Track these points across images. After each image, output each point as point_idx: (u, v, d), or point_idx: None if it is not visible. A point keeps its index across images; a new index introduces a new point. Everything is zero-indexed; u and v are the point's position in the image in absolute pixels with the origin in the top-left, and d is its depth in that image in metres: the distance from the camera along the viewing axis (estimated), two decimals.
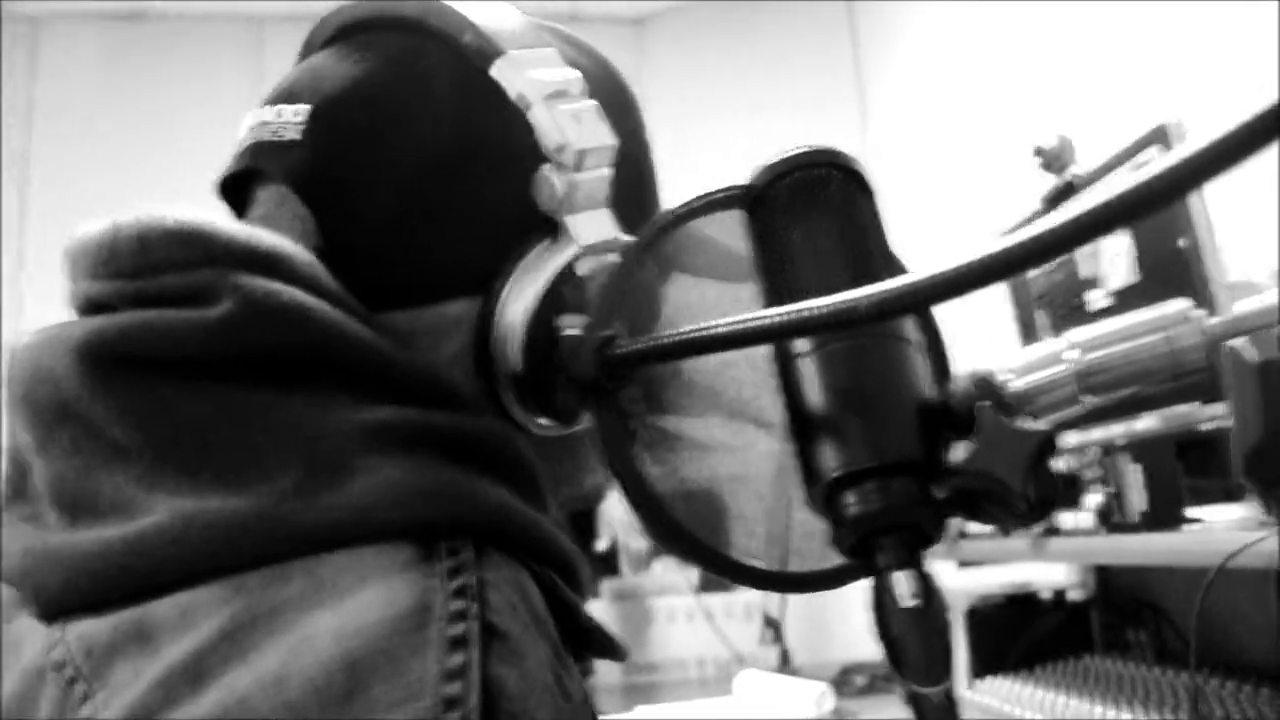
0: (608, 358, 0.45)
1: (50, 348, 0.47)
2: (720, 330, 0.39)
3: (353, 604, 0.39)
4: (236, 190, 0.56)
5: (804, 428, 0.41)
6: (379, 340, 0.47)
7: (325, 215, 0.51)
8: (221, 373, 0.45)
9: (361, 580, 0.40)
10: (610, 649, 0.52)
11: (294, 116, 0.52)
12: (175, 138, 2.60)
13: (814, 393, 0.40)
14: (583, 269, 0.52)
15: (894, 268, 0.44)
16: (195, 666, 0.38)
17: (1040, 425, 0.38)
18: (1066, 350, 0.40)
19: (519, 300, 0.51)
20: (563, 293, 0.51)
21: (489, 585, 0.42)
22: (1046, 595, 1.57)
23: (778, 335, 0.39)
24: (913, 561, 0.38)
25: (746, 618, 2.27)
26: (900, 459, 0.39)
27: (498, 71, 0.52)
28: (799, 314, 0.36)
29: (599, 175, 0.52)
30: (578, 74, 0.53)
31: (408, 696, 0.36)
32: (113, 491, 0.44)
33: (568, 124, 0.51)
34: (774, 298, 0.43)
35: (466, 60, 0.53)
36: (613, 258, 0.53)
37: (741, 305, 0.46)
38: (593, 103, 0.53)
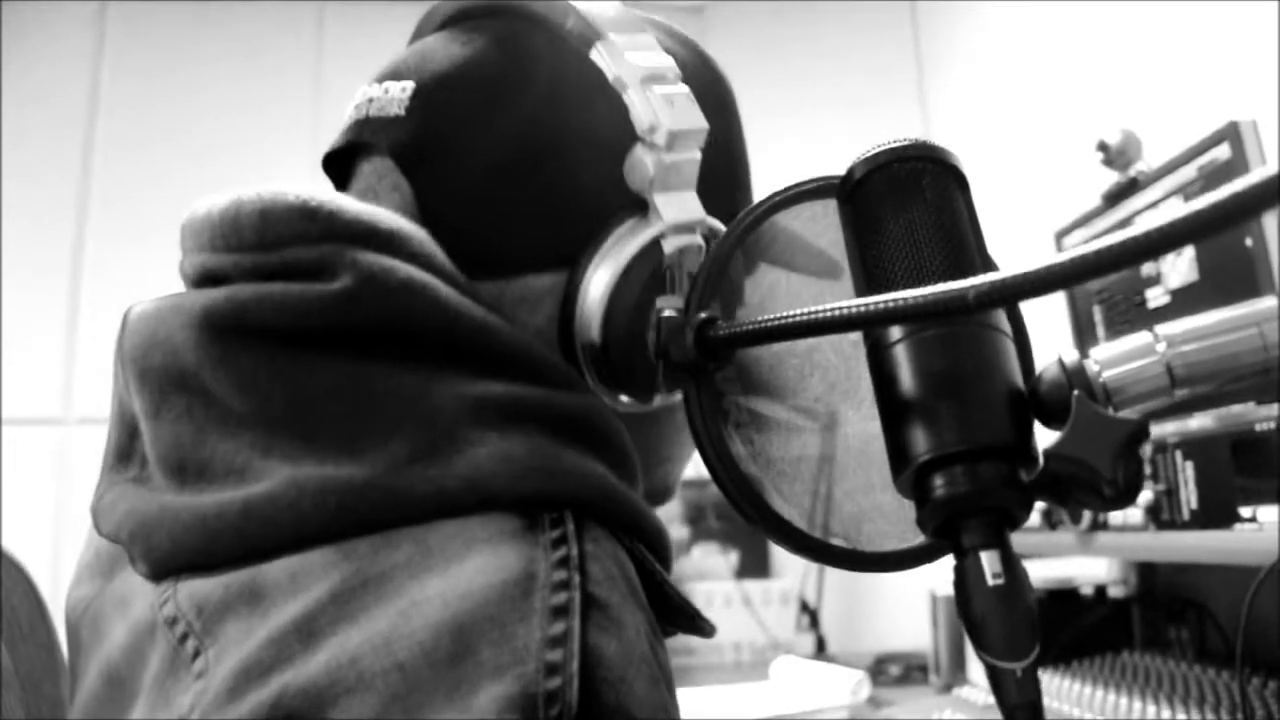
0: (709, 339, 0.46)
1: (168, 317, 0.48)
2: (827, 314, 0.40)
3: (460, 570, 0.40)
4: (340, 164, 0.58)
5: (894, 412, 0.41)
6: (489, 317, 0.48)
7: (422, 186, 0.53)
8: (337, 345, 0.46)
9: (468, 547, 0.41)
10: (697, 625, 0.53)
11: (400, 93, 0.54)
12: (236, 117, 2.63)
13: (906, 377, 0.41)
14: (668, 247, 0.53)
15: (987, 261, 0.45)
16: (306, 626, 0.39)
17: (1129, 415, 0.40)
18: (1158, 343, 0.41)
19: (604, 274, 0.52)
20: (647, 269, 0.52)
21: (589, 557, 0.43)
22: (1088, 591, 1.57)
23: (884, 320, 0.40)
24: (998, 542, 0.39)
25: (783, 604, 2.28)
26: (990, 443, 0.39)
27: (597, 55, 0.54)
28: (907, 301, 0.37)
29: (689, 157, 0.53)
30: (672, 60, 0.55)
31: (513, 661, 0.37)
32: (227, 457, 0.45)
33: (661, 106, 0.52)
34: (868, 285, 0.44)
35: (568, 44, 0.55)
36: (697, 238, 0.54)
37: (825, 299, 0.47)
38: (685, 88, 0.54)
